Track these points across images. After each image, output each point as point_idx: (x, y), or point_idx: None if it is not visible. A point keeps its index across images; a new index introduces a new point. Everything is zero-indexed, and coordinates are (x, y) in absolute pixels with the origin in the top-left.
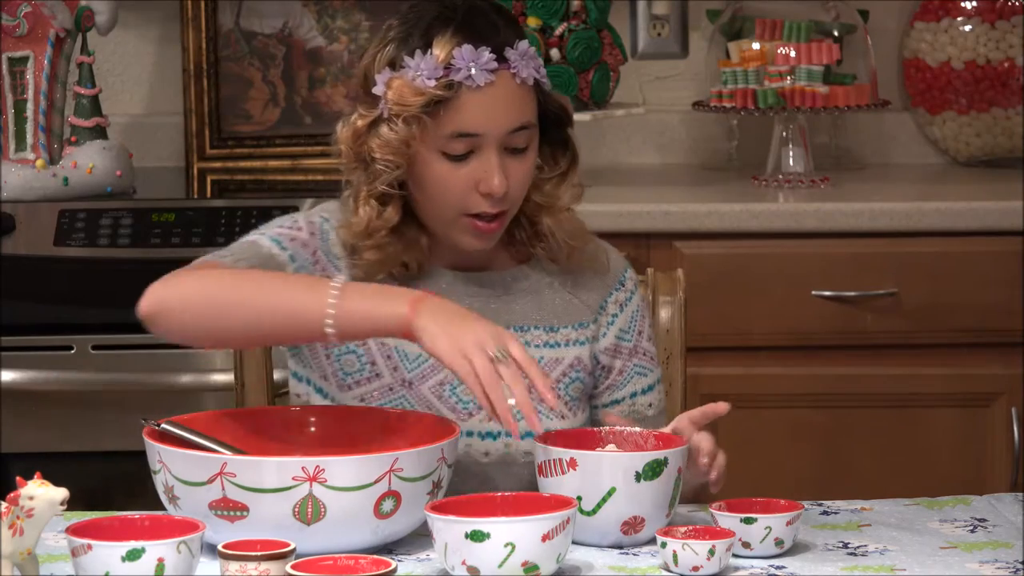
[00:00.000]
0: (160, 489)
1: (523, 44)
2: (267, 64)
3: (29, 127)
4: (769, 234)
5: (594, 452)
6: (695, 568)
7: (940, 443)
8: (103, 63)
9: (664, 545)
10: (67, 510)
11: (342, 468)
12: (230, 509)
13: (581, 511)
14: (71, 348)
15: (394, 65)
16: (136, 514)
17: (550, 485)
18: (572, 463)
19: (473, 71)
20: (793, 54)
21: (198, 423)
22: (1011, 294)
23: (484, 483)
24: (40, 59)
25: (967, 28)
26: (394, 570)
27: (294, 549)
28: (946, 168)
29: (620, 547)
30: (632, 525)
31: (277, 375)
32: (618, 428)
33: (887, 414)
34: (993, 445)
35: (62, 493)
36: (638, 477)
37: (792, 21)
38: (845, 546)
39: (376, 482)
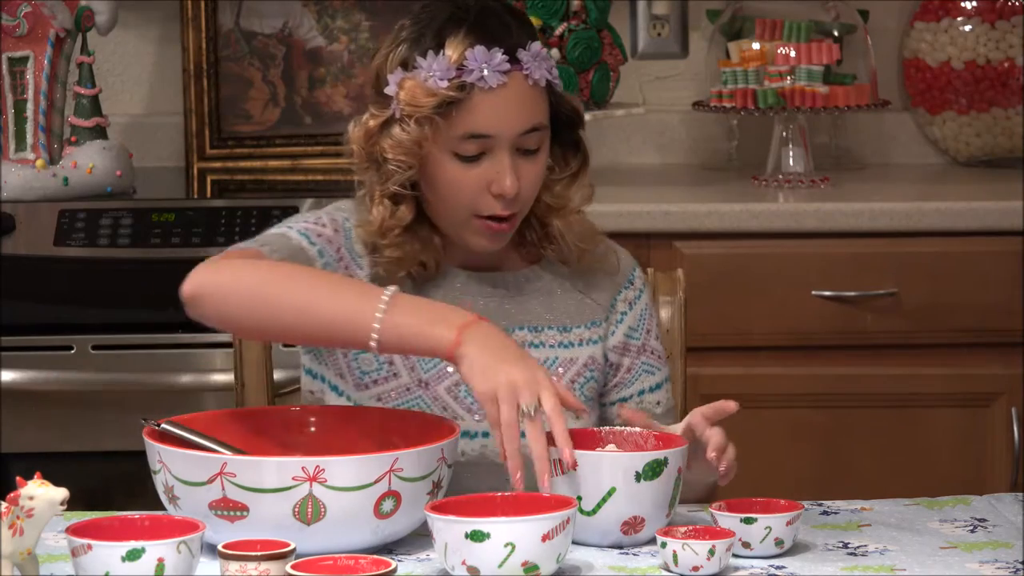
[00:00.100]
0: (160, 489)
1: (535, 45)
2: (267, 64)
3: (29, 127)
4: (769, 234)
5: (594, 452)
6: (695, 568)
7: (940, 443)
8: (103, 63)
9: (664, 545)
10: (67, 510)
11: (342, 468)
12: (230, 509)
13: (581, 511)
14: (71, 348)
15: (406, 65)
16: (136, 514)
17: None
18: (572, 463)
19: (485, 72)
20: (793, 54)
21: (198, 423)
22: (1011, 294)
23: (505, 484)
24: (40, 59)
25: (967, 28)
26: (394, 570)
27: (294, 549)
28: (946, 168)
29: (620, 547)
30: (632, 525)
31: (277, 375)
32: (618, 428)
33: (887, 414)
34: (993, 445)
35: (62, 493)
36: (638, 477)
37: (792, 21)
38: (845, 546)
39: (376, 482)
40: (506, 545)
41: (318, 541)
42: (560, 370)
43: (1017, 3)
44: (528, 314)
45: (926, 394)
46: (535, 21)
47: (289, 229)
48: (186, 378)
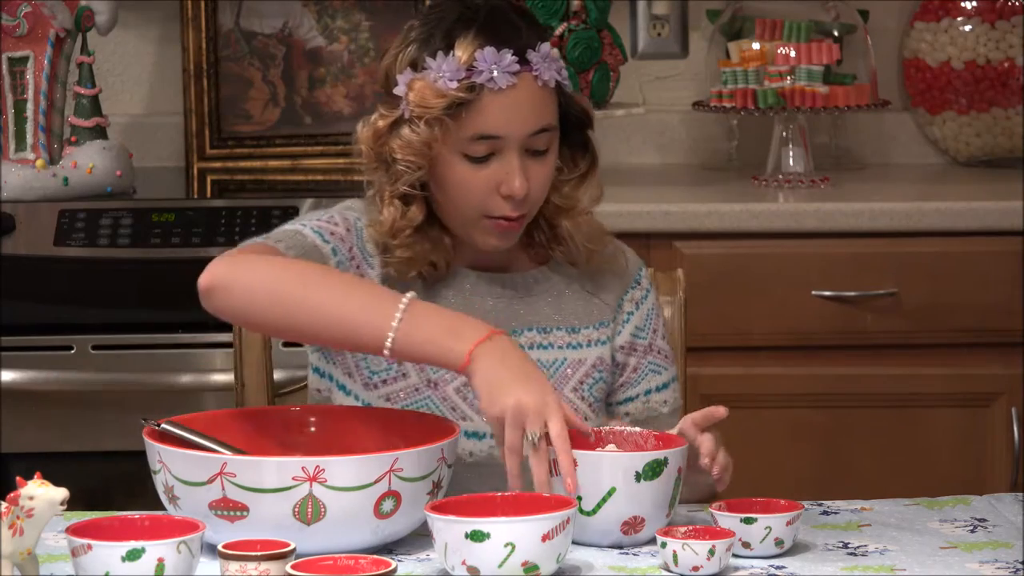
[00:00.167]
0: (160, 489)
1: (545, 46)
2: (267, 64)
3: (29, 127)
4: (769, 234)
5: (594, 452)
6: (695, 568)
7: (940, 443)
8: (103, 63)
9: (664, 545)
10: (67, 510)
11: (342, 468)
12: (230, 509)
13: (581, 511)
14: (71, 348)
15: (416, 66)
16: (136, 514)
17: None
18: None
19: (495, 73)
20: (793, 54)
21: (198, 423)
22: (1011, 294)
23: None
24: (40, 59)
25: (967, 28)
26: (394, 570)
27: (294, 549)
28: (946, 168)
29: (620, 547)
30: (632, 525)
31: (277, 375)
32: (618, 428)
33: (887, 414)
34: (993, 445)
35: (62, 493)
36: (638, 477)
37: (792, 21)
38: (845, 546)
39: (376, 482)
40: (506, 545)
41: (318, 541)
42: (569, 371)
43: (1017, 3)
44: (537, 315)
45: (926, 394)
46: None
47: (303, 226)
48: (186, 378)
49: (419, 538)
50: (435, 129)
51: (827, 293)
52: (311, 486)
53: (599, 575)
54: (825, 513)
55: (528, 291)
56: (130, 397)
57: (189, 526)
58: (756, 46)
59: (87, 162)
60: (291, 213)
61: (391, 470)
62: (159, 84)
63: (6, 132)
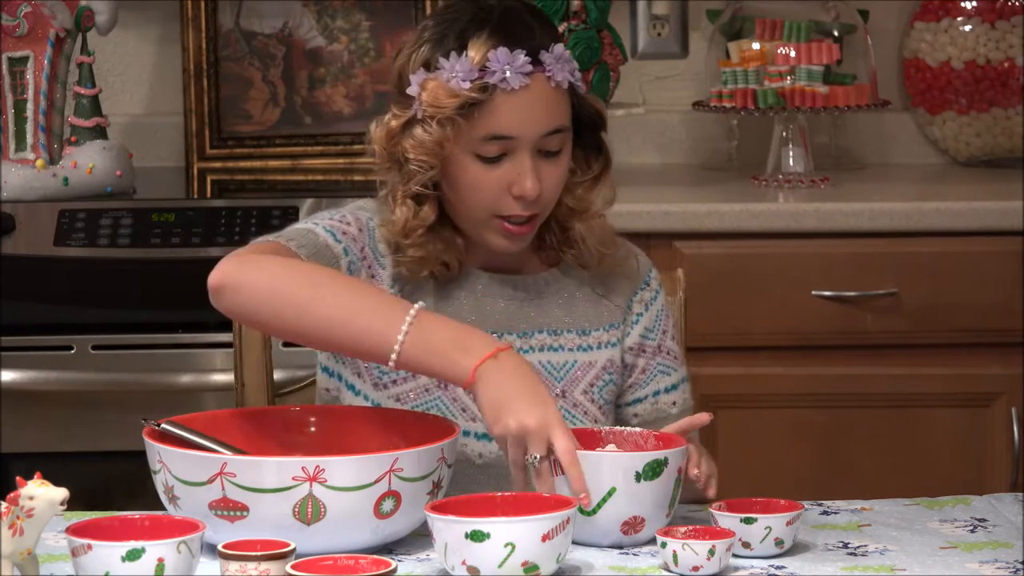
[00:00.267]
0: (160, 489)
1: (558, 47)
2: (267, 64)
3: (29, 127)
4: (769, 234)
5: (594, 452)
6: (695, 568)
7: (940, 443)
8: (103, 63)
9: (664, 545)
10: (67, 510)
11: (342, 468)
12: (230, 509)
13: (581, 511)
14: (71, 348)
15: (429, 66)
16: (136, 514)
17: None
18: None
19: (508, 74)
20: (793, 54)
21: (198, 423)
22: (1011, 294)
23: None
24: (40, 59)
25: (967, 28)
26: (394, 570)
27: (294, 549)
28: (946, 168)
29: (620, 547)
30: (632, 525)
31: (277, 375)
32: (618, 428)
33: (887, 414)
34: (993, 445)
35: (62, 493)
36: (638, 477)
37: (792, 21)
38: (845, 546)
39: (376, 482)
40: (506, 545)
41: (318, 541)
42: (579, 373)
43: (1017, 3)
44: (547, 317)
45: (926, 394)
46: None
47: (315, 225)
48: (186, 378)
49: (419, 538)
50: (447, 129)
51: (827, 293)
52: (311, 486)
53: (599, 575)
54: (825, 513)
55: (539, 293)
56: (130, 397)
57: (189, 526)
58: (756, 46)
59: (87, 162)
60: (291, 213)
61: (391, 470)
62: (159, 84)
63: (6, 132)
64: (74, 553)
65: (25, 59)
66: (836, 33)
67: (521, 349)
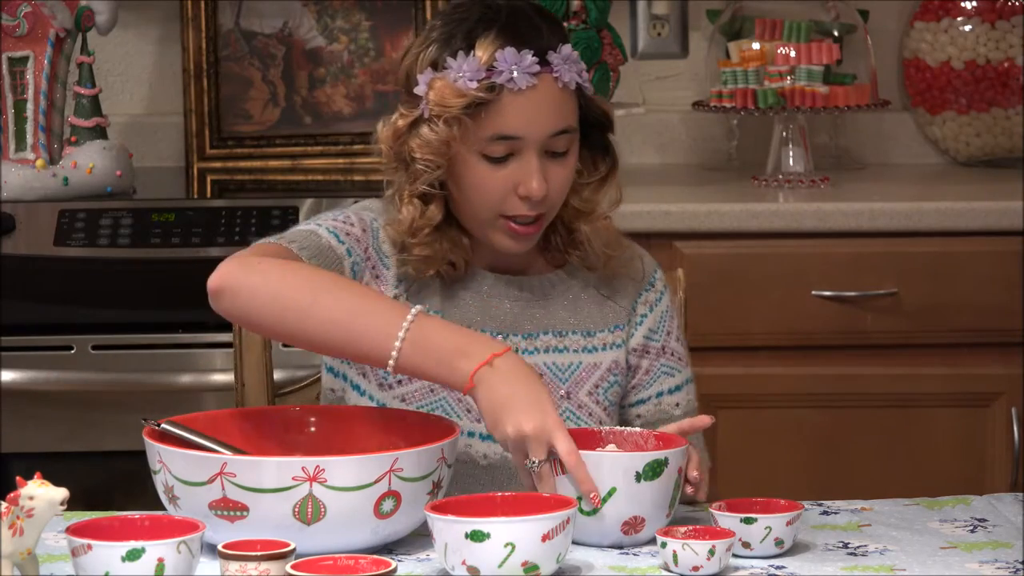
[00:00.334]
0: (160, 489)
1: (566, 48)
2: (267, 64)
3: (29, 127)
4: (769, 234)
5: (595, 452)
6: (695, 568)
7: (940, 443)
8: (103, 63)
9: (664, 545)
10: (67, 510)
11: (342, 468)
12: (230, 509)
13: (581, 511)
14: (71, 348)
15: (436, 66)
16: (136, 514)
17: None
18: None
19: (515, 74)
20: (793, 54)
21: (198, 423)
22: (1011, 294)
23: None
24: (40, 59)
25: (967, 28)
26: (394, 570)
27: (294, 549)
28: (946, 168)
29: (620, 547)
30: (632, 525)
31: (277, 375)
32: (618, 428)
33: (887, 414)
34: (993, 445)
35: (62, 493)
36: (638, 477)
37: (792, 21)
38: (845, 546)
39: (376, 482)
40: (506, 545)
41: (318, 541)
42: (584, 375)
43: (1017, 3)
44: (553, 318)
45: (926, 394)
46: None
47: (318, 227)
48: (186, 378)
49: (419, 538)
50: (454, 128)
51: (827, 293)
52: (311, 486)
53: (599, 575)
54: (825, 513)
55: (544, 295)
56: (130, 397)
57: (189, 526)
58: (756, 46)
59: (87, 162)
60: (291, 213)
61: (391, 470)
62: (159, 84)
63: (6, 132)
64: (74, 553)
65: (25, 59)
66: (836, 33)
67: (526, 350)
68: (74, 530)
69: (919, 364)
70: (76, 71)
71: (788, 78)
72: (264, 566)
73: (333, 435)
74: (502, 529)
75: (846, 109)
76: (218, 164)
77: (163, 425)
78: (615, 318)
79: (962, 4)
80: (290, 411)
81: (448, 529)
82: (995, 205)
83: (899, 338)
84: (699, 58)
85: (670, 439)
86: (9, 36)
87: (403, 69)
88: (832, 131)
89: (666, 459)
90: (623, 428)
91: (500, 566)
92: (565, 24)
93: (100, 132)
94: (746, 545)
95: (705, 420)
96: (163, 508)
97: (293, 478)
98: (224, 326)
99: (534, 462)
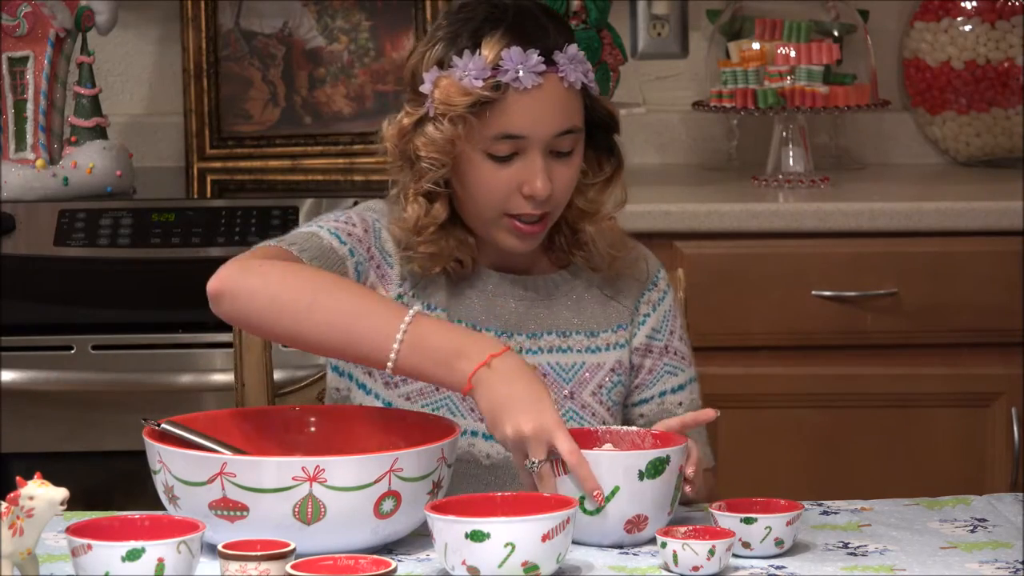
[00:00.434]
0: (160, 489)
1: (572, 48)
2: (267, 64)
3: (29, 127)
4: (769, 234)
5: (597, 452)
6: (695, 568)
7: (940, 443)
8: (103, 63)
9: (664, 545)
10: (67, 510)
11: (342, 468)
12: (230, 509)
13: (585, 511)
14: (71, 348)
15: (442, 64)
16: (136, 514)
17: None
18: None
19: (521, 73)
20: (793, 54)
21: (198, 423)
22: (1011, 294)
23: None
24: (40, 59)
25: (967, 28)
26: (394, 570)
27: (294, 549)
28: (946, 168)
29: (622, 546)
30: (635, 524)
31: (277, 375)
32: (615, 427)
33: (887, 414)
34: (993, 445)
35: (62, 493)
36: (641, 476)
37: (792, 21)
38: (845, 546)
39: (376, 482)
40: (506, 545)
41: (318, 541)
42: (587, 375)
43: (1017, 3)
44: (557, 318)
45: (926, 394)
46: None
47: (320, 228)
48: (186, 378)
49: (419, 538)
50: (459, 127)
51: (827, 293)
52: (311, 486)
53: (599, 575)
54: (825, 513)
55: (549, 295)
56: (130, 397)
57: (189, 526)
58: (756, 46)
59: (87, 162)
60: (291, 213)
61: (391, 470)
62: (159, 84)
63: (6, 132)
64: (74, 553)
65: (25, 59)
66: (836, 33)
67: (530, 350)
68: (74, 530)
69: (919, 364)
70: (76, 71)
71: (788, 78)
72: (264, 566)
73: (333, 435)
74: (502, 529)
75: (846, 109)
76: (218, 164)
77: (163, 425)
78: (618, 318)
79: (962, 4)
80: (290, 411)
81: (448, 529)
82: (995, 205)
83: (899, 338)
84: (699, 58)
85: (668, 437)
86: (9, 36)
87: (409, 67)
88: (832, 131)
89: (668, 457)
90: (620, 427)
91: (500, 566)
92: None
93: (100, 132)
94: (746, 545)
95: (709, 413)
96: (163, 508)
97: (293, 478)
98: (224, 326)
99: (534, 462)
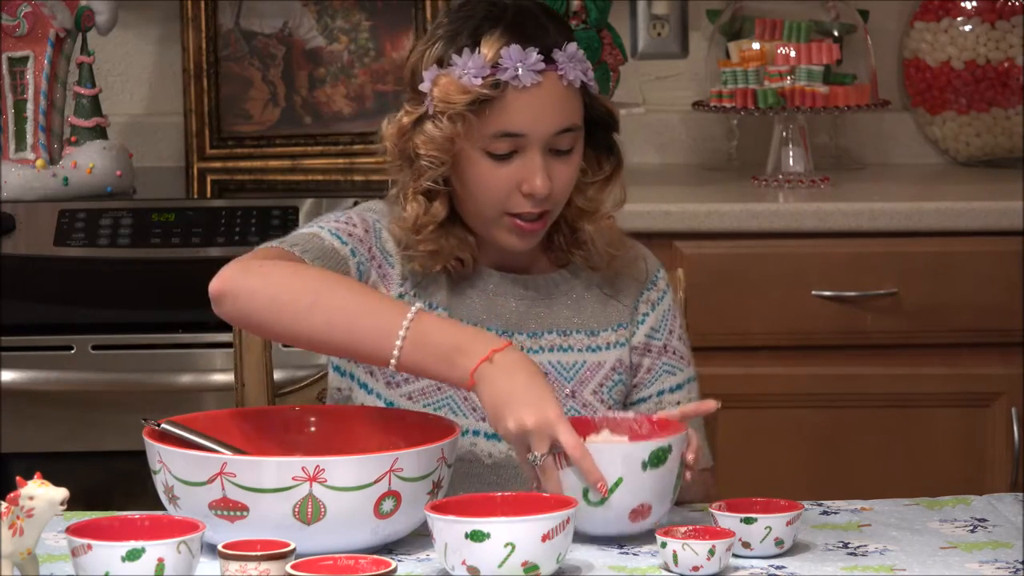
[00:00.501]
0: (160, 489)
1: (571, 46)
2: (267, 64)
3: (29, 127)
4: (769, 234)
5: (599, 444)
6: (695, 568)
7: (940, 443)
8: (103, 63)
9: (664, 545)
10: (67, 510)
11: (342, 468)
12: (230, 509)
13: (589, 502)
14: (71, 348)
15: (441, 62)
16: (136, 514)
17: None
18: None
19: (520, 71)
20: (793, 54)
21: (198, 423)
22: (1011, 294)
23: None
24: (40, 59)
25: (967, 28)
26: (394, 570)
27: (294, 549)
28: (946, 168)
29: (627, 536)
30: (640, 513)
31: (277, 375)
32: (611, 414)
33: (887, 414)
34: (993, 445)
35: (62, 493)
36: (644, 466)
37: (792, 21)
38: (845, 546)
39: (376, 482)
40: (506, 545)
41: (318, 541)
42: (588, 374)
43: (1017, 3)
44: (557, 318)
45: (926, 394)
46: None
47: (320, 229)
48: (186, 378)
49: (419, 538)
50: (458, 125)
51: (827, 293)
52: (311, 486)
53: (599, 575)
54: (825, 513)
55: (549, 294)
56: (130, 397)
57: (189, 526)
58: (756, 46)
59: (87, 162)
60: (291, 213)
61: (391, 470)
62: (159, 84)
63: (6, 132)
64: (74, 553)
65: (25, 59)
66: (836, 33)
67: (531, 349)
68: (74, 530)
69: (919, 364)
70: (76, 71)
71: (788, 78)
72: (264, 566)
73: (333, 435)
74: (502, 529)
75: (846, 109)
76: (218, 164)
77: (163, 425)
78: (618, 317)
79: (962, 4)
80: (290, 411)
81: (448, 529)
82: (995, 205)
83: (899, 338)
84: (699, 58)
85: (664, 424)
86: (9, 36)
87: (408, 66)
88: (832, 131)
89: (669, 446)
90: (615, 414)
91: (500, 566)
92: None
93: (100, 132)
94: (746, 545)
95: (710, 404)
96: (163, 508)
97: (293, 478)
98: (224, 326)
99: (536, 456)
